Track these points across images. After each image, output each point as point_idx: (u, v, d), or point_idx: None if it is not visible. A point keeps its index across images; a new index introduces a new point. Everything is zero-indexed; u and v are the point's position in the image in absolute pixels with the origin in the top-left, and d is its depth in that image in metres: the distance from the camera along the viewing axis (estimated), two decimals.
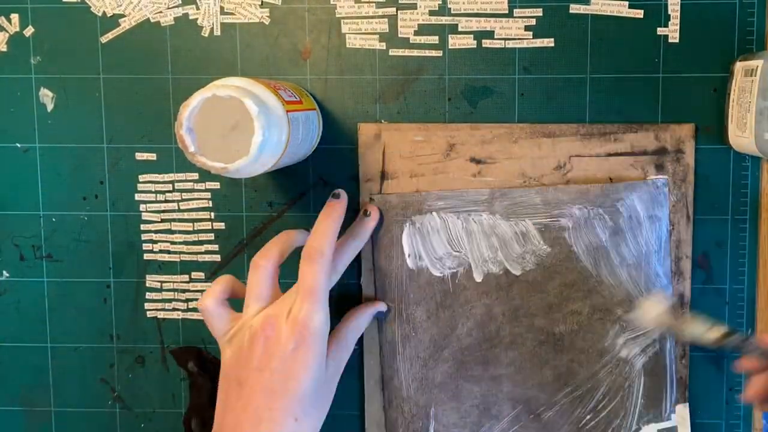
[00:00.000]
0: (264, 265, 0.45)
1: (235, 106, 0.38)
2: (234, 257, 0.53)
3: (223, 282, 0.46)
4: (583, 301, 0.50)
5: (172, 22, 0.51)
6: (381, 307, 0.50)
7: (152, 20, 0.51)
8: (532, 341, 0.51)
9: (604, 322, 0.50)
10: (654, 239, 0.50)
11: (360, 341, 0.51)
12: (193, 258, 0.53)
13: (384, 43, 0.50)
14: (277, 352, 0.42)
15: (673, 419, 0.51)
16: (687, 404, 0.51)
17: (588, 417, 0.51)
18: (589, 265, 0.50)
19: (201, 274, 0.53)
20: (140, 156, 0.52)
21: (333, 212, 0.46)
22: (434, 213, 0.50)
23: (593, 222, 0.50)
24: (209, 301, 0.45)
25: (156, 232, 0.53)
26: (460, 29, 0.50)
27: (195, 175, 0.52)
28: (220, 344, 0.45)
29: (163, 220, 0.53)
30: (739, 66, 0.47)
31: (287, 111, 0.42)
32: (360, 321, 0.49)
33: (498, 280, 0.50)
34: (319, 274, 0.43)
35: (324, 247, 0.44)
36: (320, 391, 0.43)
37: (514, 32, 0.50)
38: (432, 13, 0.50)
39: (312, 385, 0.42)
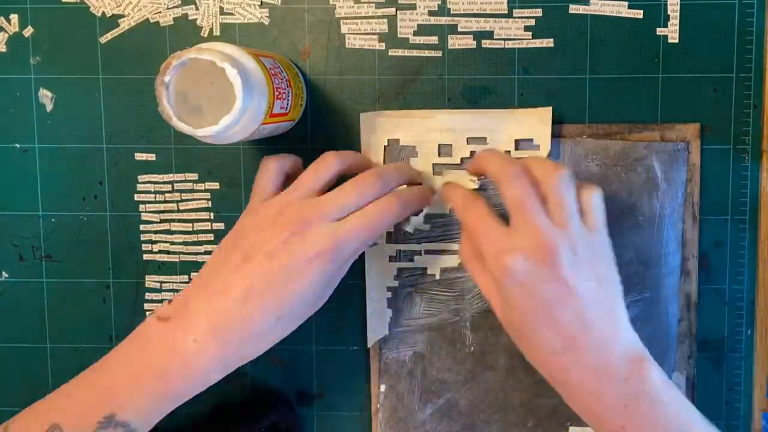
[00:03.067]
0: (273, 168, 0.45)
1: (215, 71, 0.39)
2: None
3: (294, 159, 0.46)
4: None
5: (172, 23, 0.51)
6: (431, 202, 0.48)
7: (151, 20, 0.51)
8: None
9: None
10: (668, 202, 0.50)
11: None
12: (193, 258, 0.53)
13: (383, 44, 0.50)
14: (296, 251, 0.40)
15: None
16: (684, 372, 0.51)
17: None
18: None
19: None
20: (139, 156, 0.52)
21: (428, 198, 0.47)
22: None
23: (610, 179, 0.49)
24: (274, 162, 0.45)
25: (155, 232, 0.53)
26: (459, 29, 0.50)
27: (194, 176, 0.52)
28: (250, 204, 0.44)
29: (162, 221, 0.52)
30: None
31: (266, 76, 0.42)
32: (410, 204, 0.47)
33: None
34: (384, 222, 0.42)
35: (407, 212, 0.44)
36: (308, 304, 0.42)
37: (514, 32, 0.50)
38: (431, 13, 0.50)
39: (306, 297, 0.41)
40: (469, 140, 0.50)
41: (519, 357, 0.51)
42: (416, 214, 0.50)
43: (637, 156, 0.49)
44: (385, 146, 0.50)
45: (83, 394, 0.40)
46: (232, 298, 0.40)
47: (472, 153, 0.50)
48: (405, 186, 0.47)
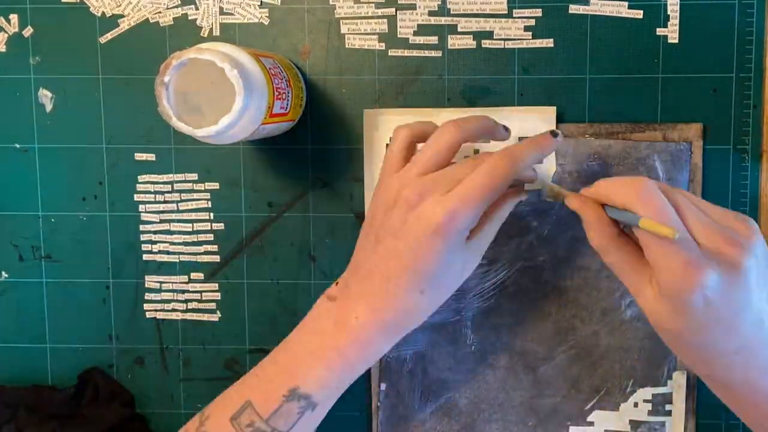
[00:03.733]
0: (404, 136, 0.44)
1: (215, 71, 0.39)
2: (233, 258, 0.53)
3: (429, 124, 0.44)
4: (593, 257, 0.50)
5: (171, 23, 0.51)
6: (523, 196, 0.47)
7: (151, 20, 0.51)
8: (536, 293, 0.51)
9: (612, 280, 0.50)
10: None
11: None
12: (193, 258, 0.53)
13: (383, 44, 0.50)
14: (416, 229, 0.40)
15: (669, 385, 0.51)
16: (685, 372, 0.51)
17: (583, 374, 0.51)
18: None
19: (200, 275, 0.53)
20: (139, 156, 0.52)
21: (544, 144, 0.43)
22: None
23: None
24: (404, 131, 0.44)
25: (155, 232, 0.53)
26: (459, 29, 0.50)
27: (194, 176, 0.52)
28: (381, 175, 0.44)
29: (162, 221, 0.52)
30: None
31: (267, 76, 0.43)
32: (503, 211, 0.46)
33: (510, 228, 0.50)
34: (496, 182, 0.41)
35: (519, 164, 0.41)
36: (450, 275, 0.42)
37: (514, 33, 0.50)
38: (431, 13, 0.50)
39: (441, 270, 0.41)
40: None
41: (519, 356, 0.51)
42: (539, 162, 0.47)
43: (639, 156, 0.49)
44: (387, 144, 0.50)
45: (268, 372, 0.43)
46: (377, 280, 0.42)
47: (476, 151, 0.50)
48: None
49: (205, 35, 0.51)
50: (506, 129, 0.45)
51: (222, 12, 0.51)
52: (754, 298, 0.38)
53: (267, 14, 0.51)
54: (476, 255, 0.43)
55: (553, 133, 0.43)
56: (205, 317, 0.53)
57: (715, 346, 0.39)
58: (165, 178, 0.52)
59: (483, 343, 0.52)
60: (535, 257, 0.51)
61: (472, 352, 0.52)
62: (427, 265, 0.41)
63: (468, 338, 0.52)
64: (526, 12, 0.50)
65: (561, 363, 0.51)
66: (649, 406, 0.51)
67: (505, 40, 0.50)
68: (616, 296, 0.51)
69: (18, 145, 0.52)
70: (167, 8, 0.51)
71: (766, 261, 0.38)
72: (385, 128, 0.50)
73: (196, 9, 0.51)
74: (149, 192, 0.52)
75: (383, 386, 0.52)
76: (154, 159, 0.52)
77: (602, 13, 0.50)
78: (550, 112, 0.49)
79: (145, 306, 0.53)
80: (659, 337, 0.48)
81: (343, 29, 0.50)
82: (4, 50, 0.52)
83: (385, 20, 0.50)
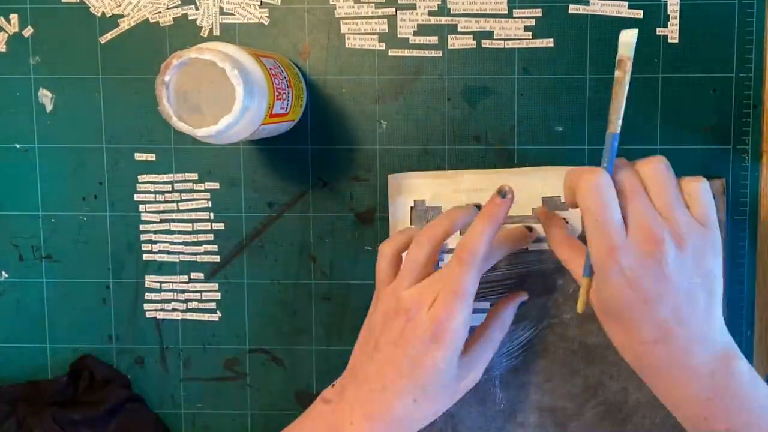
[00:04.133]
0: (388, 252, 0.46)
1: (216, 71, 0.39)
2: (234, 258, 0.53)
3: (408, 234, 0.46)
4: None
5: (171, 23, 0.51)
6: (523, 297, 0.49)
7: (151, 20, 0.51)
8: (563, 350, 0.51)
9: None
10: None
11: None
12: (193, 258, 0.53)
13: (383, 44, 0.50)
14: (413, 339, 0.42)
15: None
16: None
17: (613, 430, 0.51)
18: None
19: (200, 275, 0.53)
20: (139, 156, 0.52)
21: (496, 213, 0.43)
22: None
23: None
24: (387, 248, 0.46)
25: (155, 232, 0.53)
26: (459, 29, 0.50)
27: (194, 176, 0.52)
28: (376, 289, 0.46)
29: (162, 221, 0.52)
30: None
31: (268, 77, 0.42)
32: (505, 317, 0.47)
33: (535, 287, 0.50)
34: (467, 276, 0.42)
35: (479, 250, 0.42)
36: (448, 384, 0.43)
37: (514, 33, 0.50)
38: (431, 13, 0.50)
39: (439, 379, 0.42)
40: None
41: (549, 414, 0.51)
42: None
43: None
44: (411, 207, 0.50)
45: None
46: (374, 388, 0.43)
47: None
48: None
49: (205, 35, 0.51)
50: (477, 207, 0.45)
51: (222, 12, 0.51)
52: (671, 291, 0.39)
53: (267, 14, 0.51)
54: (471, 372, 0.45)
55: (501, 194, 0.43)
56: (205, 317, 0.53)
57: (636, 334, 0.41)
58: (165, 178, 0.52)
59: (512, 401, 0.51)
60: (561, 314, 0.51)
61: (502, 411, 0.51)
62: (423, 372, 0.42)
63: (497, 397, 0.51)
64: (526, 12, 0.50)
65: (591, 419, 0.51)
66: None
67: (505, 40, 0.50)
68: None
69: (18, 145, 0.52)
70: (167, 8, 0.51)
71: (695, 259, 0.40)
72: (409, 191, 0.50)
73: (196, 9, 0.51)
74: (149, 192, 0.52)
75: None
76: (154, 159, 0.52)
77: (602, 13, 0.50)
78: None
79: (145, 306, 0.53)
80: None
81: (343, 29, 0.50)
82: (4, 50, 0.52)
83: (385, 20, 0.50)
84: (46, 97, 0.52)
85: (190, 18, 0.51)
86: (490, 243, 0.43)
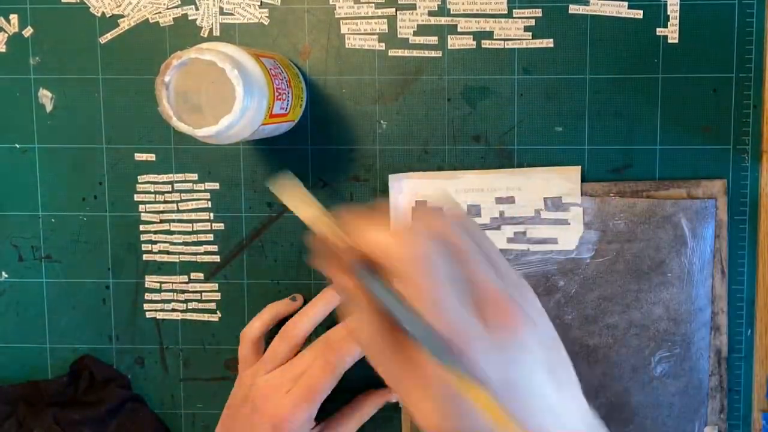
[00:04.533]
0: (248, 338, 0.49)
1: (216, 71, 0.39)
2: (233, 258, 0.53)
3: (269, 314, 0.50)
4: (621, 315, 0.50)
5: (171, 23, 0.51)
6: (391, 399, 0.50)
7: (151, 21, 0.51)
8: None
9: (640, 337, 0.50)
10: (697, 259, 0.50)
11: None
12: (193, 259, 0.53)
13: (383, 44, 0.50)
14: (260, 428, 0.45)
15: None
16: (716, 428, 0.51)
17: None
18: (630, 280, 0.50)
19: (200, 275, 0.53)
20: (139, 156, 0.52)
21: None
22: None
23: (638, 237, 0.50)
24: (250, 334, 0.49)
25: (155, 232, 0.53)
26: (459, 30, 0.50)
27: (194, 176, 0.52)
28: (239, 372, 0.49)
29: (162, 221, 0.52)
30: None
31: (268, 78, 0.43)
32: (366, 411, 0.50)
33: (537, 288, 0.50)
34: (328, 383, 0.45)
35: (349, 359, 0.45)
36: None
37: (514, 33, 0.50)
38: (431, 13, 0.50)
39: None
40: (498, 200, 0.50)
41: None
42: None
43: (665, 214, 0.49)
44: (412, 207, 0.50)
45: None
46: None
47: (502, 213, 0.50)
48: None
49: (205, 35, 0.51)
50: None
51: (222, 12, 0.51)
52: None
53: (267, 14, 0.51)
54: None
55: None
56: (205, 317, 0.53)
57: None
58: (165, 178, 0.52)
59: None
60: (563, 316, 0.51)
61: None
62: None
63: None
64: (526, 12, 0.50)
65: None
66: None
67: (505, 40, 0.50)
68: (645, 353, 0.50)
69: (18, 145, 0.52)
70: (167, 8, 0.51)
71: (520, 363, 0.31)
72: (410, 191, 0.50)
73: (196, 9, 0.51)
74: (149, 192, 0.52)
75: None
76: (154, 159, 0.52)
77: (602, 13, 0.50)
78: (574, 171, 0.49)
79: (145, 306, 0.53)
80: (688, 392, 0.48)
81: (343, 29, 0.50)
82: (4, 50, 0.52)
83: (385, 20, 0.50)
84: (46, 97, 0.52)
85: (190, 18, 0.51)
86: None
